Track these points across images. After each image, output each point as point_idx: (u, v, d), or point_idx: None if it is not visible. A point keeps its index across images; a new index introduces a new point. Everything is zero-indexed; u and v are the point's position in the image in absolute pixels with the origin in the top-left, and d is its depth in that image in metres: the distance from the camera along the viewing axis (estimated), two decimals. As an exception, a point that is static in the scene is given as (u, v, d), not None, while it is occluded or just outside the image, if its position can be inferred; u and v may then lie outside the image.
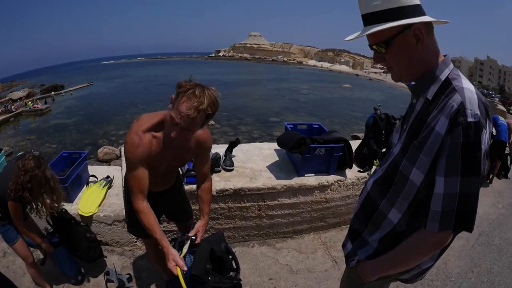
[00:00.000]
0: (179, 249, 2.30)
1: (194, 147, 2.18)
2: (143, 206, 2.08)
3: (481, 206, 3.77)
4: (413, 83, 1.40)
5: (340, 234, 4.09)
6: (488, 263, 3.48)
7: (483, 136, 1.16)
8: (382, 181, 1.52)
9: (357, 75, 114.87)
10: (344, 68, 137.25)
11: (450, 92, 1.22)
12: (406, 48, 1.28)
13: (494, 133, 6.80)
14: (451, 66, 1.31)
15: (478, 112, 1.16)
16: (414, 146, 1.31)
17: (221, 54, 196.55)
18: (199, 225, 2.38)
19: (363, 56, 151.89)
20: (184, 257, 2.28)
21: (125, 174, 2.12)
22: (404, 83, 1.43)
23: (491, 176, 6.64)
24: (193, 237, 2.36)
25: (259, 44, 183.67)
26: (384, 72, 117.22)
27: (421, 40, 1.26)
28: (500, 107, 46.49)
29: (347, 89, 66.90)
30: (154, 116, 2.05)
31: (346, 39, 1.40)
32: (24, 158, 2.46)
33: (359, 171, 4.04)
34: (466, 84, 1.23)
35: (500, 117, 7.15)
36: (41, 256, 3.35)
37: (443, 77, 1.28)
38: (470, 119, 1.14)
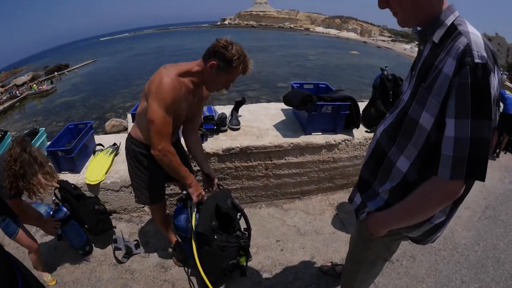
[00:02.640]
0: (190, 211, 2.36)
1: (203, 96, 2.46)
2: (173, 148, 2.23)
3: (488, 179, 3.76)
4: (419, 28, 1.39)
5: (347, 196, 3.98)
6: (494, 238, 3.44)
7: (492, 80, 1.14)
8: (392, 127, 1.49)
9: (365, 42, 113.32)
10: (351, 35, 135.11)
11: (456, 35, 1.20)
12: None
13: (502, 106, 6.63)
14: (457, 13, 1.28)
15: (485, 55, 1.13)
16: (423, 89, 1.28)
17: (226, 22, 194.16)
18: (210, 173, 2.66)
19: (371, 24, 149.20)
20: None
21: (153, 118, 2.06)
22: (410, 28, 1.41)
23: (497, 150, 6.52)
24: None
25: (265, 12, 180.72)
26: (392, 41, 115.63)
27: None
28: (508, 83, 46.08)
29: (355, 56, 66.33)
30: (180, 65, 2.21)
31: None
32: (9, 148, 2.41)
33: (366, 131, 3.95)
34: (472, 29, 1.22)
35: (507, 91, 6.93)
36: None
37: (448, 22, 1.26)
38: (477, 60, 1.12)
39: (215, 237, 2.29)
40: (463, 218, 3.68)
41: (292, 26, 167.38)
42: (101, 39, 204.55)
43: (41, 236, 3.40)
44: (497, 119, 1.23)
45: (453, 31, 1.23)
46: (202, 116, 3.52)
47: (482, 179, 1.19)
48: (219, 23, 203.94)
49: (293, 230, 3.50)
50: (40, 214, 2.97)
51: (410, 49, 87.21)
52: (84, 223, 3.21)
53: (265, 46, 76.46)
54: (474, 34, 1.19)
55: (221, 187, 2.71)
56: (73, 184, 3.25)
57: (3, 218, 2.66)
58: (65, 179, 3.28)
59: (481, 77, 1.12)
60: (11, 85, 53.68)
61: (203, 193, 2.42)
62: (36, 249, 2.90)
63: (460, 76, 1.14)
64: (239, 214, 2.54)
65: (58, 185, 3.03)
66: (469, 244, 3.33)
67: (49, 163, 2.60)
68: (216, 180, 2.66)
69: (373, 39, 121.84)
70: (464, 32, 1.19)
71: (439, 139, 1.23)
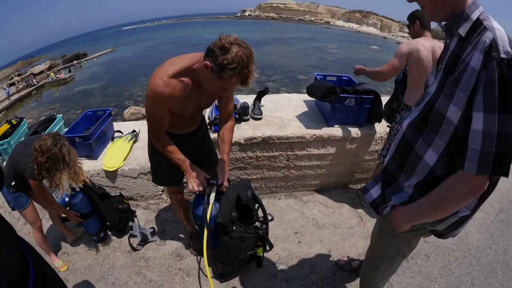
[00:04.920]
0: (207, 200, 2.26)
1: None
2: (165, 140, 2.22)
3: (503, 182, 3.56)
4: (444, 23, 1.40)
5: (368, 191, 3.98)
6: (505, 243, 3.35)
7: None
8: (418, 120, 1.48)
9: (385, 37, 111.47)
10: (371, 30, 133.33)
11: (482, 30, 1.21)
12: None
13: None
14: (481, 8, 1.28)
15: (510, 50, 1.13)
16: (451, 82, 1.28)
17: (247, 13, 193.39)
18: (220, 167, 2.36)
19: (391, 19, 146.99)
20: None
21: (147, 116, 2.13)
22: (437, 22, 1.42)
23: None
24: (217, 183, 2.31)
25: (285, 4, 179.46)
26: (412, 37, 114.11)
27: None
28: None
29: (375, 51, 65.67)
30: (180, 61, 2.02)
31: None
32: (41, 138, 2.46)
33: (388, 126, 3.86)
34: (496, 25, 1.22)
35: None
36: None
37: (474, 17, 1.26)
38: (503, 55, 1.12)
39: (234, 228, 2.26)
40: (477, 220, 3.59)
41: (312, 19, 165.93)
42: (123, 28, 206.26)
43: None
44: None
45: (479, 25, 1.23)
46: None
47: (506, 174, 1.19)
48: (239, 14, 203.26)
49: (311, 223, 3.46)
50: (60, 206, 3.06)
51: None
52: (106, 220, 3.27)
53: (285, 38, 76.05)
54: (499, 30, 1.19)
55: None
56: (98, 184, 3.35)
57: (16, 191, 2.74)
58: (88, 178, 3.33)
59: (506, 72, 1.11)
60: (27, 73, 54.29)
61: (196, 188, 2.28)
62: (39, 227, 2.96)
63: (488, 70, 1.14)
64: (257, 205, 2.50)
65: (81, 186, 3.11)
66: (482, 246, 3.27)
67: (79, 164, 2.64)
68: (224, 184, 2.36)
69: (393, 35, 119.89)
70: (489, 27, 1.19)
71: (466, 133, 1.23)
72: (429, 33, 3.13)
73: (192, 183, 2.28)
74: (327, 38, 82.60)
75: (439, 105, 1.33)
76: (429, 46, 2.99)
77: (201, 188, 2.28)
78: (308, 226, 3.42)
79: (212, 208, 2.25)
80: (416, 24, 3.17)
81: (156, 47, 69.47)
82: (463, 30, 1.28)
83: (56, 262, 3.05)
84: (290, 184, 3.89)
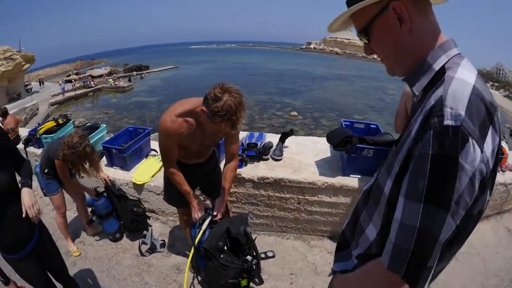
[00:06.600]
0: (199, 226, 2.52)
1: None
2: (174, 169, 2.54)
3: None
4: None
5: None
6: None
7: (470, 151, 0.81)
8: (369, 189, 1.23)
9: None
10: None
11: (440, 84, 0.90)
12: (388, 33, 1.02)
13: None
14: (453, 52, 0.98)
15: (463, 113, 0.81)
16: (392, 153, 1.05)
17: (312, 46, 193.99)
18: (218, 201, 2.64)
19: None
20: (204, 232, 2.49)
21: (159, 148, 2.48)
22: (399, 76, 1.12)
23: None
24: (213, 214, 2.58)
25: (349, 39, 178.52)
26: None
27: (405, 21, 0.97)
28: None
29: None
30: (188, 103, 2.36)
31: (328, 30, 1.18)
32: (70, 135, 2.94)
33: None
34: (461, 74, 0.90)
35: None
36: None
37: (437, 66, 0.97)
38: (447, 122, 0.81)
39: (221, 256, 2.41)
40: (488, 286, 3.31)
41: (375, 57, 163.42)
42: (190, 47, 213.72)
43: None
44: (485, 204, 0.98)
45: (440, 78, 0.93)
46: (246, 143, 3.77)
47: (417, 286, 0.93)
48: (304, 46, 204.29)
49: (310, 267, 3.45)
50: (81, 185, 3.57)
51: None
52: (120, 219, 3.66)
53: (348, 75, 75.23)
54: (460, 81, 0.88)
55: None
56: (118, 186, 3.76)
57: (48, 177, 3.25)
58: (112, 180, 3.76)
59: (449, 147, 0.81)
60: (86, 74, 56.76)
61: (197, 217, 2.59)
62: (62, 213, 3.46)
63: (423, 143, 0.86)
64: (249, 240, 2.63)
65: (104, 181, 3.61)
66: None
67: (97, 162, 3.24)
68: (218, 216, 2.59)
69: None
70: (447, 79, 0.89)
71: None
72: None
73: (194, 213, 2.62)
74: (388, 78, 79.68)
75: (380, 178, 1.10)
76: None
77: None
78: (306, 270, 3.42)
79: (205, 233, 2.49)
80: None
81: (218, 71, 70.69)
82: (418, 87, 1.02)
83: (71, 247, 3.55)
84: (300, 227, 3.89)
